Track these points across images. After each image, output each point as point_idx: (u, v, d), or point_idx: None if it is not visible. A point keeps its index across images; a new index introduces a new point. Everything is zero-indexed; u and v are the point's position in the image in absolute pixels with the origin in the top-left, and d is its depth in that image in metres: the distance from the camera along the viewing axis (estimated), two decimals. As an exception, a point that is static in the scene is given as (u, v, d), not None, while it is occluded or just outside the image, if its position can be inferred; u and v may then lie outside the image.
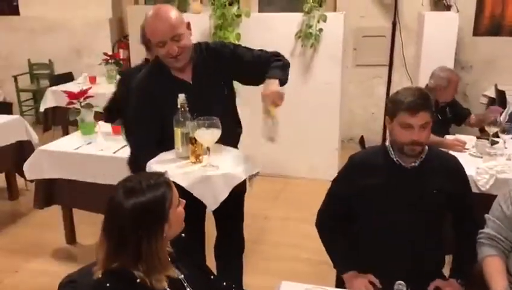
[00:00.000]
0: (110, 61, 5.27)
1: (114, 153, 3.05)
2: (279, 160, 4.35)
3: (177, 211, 1.39)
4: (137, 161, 2.14)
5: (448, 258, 2.05)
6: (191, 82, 2.08)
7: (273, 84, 1.95)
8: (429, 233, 1.92)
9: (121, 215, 1.29)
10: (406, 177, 1.90)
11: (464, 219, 1.98)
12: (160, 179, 1.37)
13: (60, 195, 3.18)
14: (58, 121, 4.94)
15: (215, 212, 2.10)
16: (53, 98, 4.88)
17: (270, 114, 1.92)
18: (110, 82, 5.08)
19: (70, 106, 3.37)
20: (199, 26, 4.33)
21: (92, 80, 5.11)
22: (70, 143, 3.22)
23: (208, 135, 1.86)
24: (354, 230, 2.00)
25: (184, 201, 1.45)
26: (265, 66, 2.05)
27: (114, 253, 1.31)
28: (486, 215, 1.94)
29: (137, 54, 5.62)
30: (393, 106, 1.84)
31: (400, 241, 1.89)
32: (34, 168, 3.14)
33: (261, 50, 2.15)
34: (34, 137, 3.93)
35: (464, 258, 1.96)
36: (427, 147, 1.91)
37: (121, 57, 5.58)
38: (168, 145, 2.01)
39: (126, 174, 2.83)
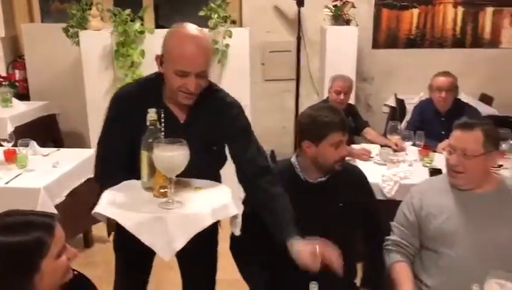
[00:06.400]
0: (3, 83, 4.88)
1: (6, 183, 2.78)
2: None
3: (58, 261, 1.18)
4: (97, 176, 1.87)
5: (359, 267, 2.07)
6: (182, 122, 1.79)
7: None
8: (340, 246, 1.91)
9: None
10: (313, 193, 1.90)
11: (371, 227, 2.01)
12: (40, 219, 1.17)
13: None
14: None
15: (180, 261, 1.88)
16: None
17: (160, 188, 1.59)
18: (4, 105, 4.68)
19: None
20: (100, 43, 4.15)
21: (-17, 103, 4.68)
22: (-46, 174, 2.89)
23: (169, 162, 1.50)
24: (266, 249, 1.95)
25: (75, 251, 1.25)
26: (252, 173, 1.77)
27: None
28: (391, 222, 1.99)
29: (35, 75, 5.30)
30: (323, 128, 1.83)
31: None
32: None
33: (259, 149, 1.87)
34: None
35: (372, 266, 1.98)
36: None
37: (17, 78, 5.21)
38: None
39: (18, 207, 2.68)
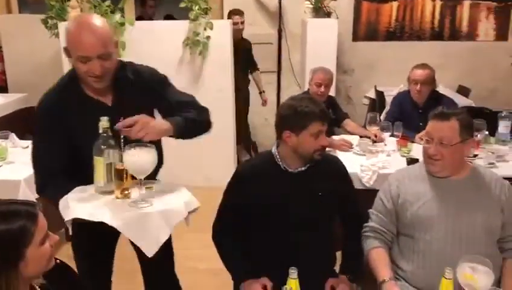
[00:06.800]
0: (-19, 75, 4.82)
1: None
2: (174, 169, 4.23)
3: (42, 248, 1.20)
4: (44, 194, 1.83)
5: (339, 255, 2.11)
6: (110, 105, 1.83)
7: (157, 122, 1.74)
8: (319, 234, 1.96)
9: None
10: (292, 182, 1.93)
11: (349, 216, 2.06)
12: (23, 208, 1.18)
13: None
14: None
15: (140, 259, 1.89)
16: None
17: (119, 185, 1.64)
18: (-19, 98, 4.64)
19: None
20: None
21: (-40, 96, 4.61)
22: None
23: (140, 164, 1.59)
24: (248, 238, 1.99)
25: (56, 237, 1.26)
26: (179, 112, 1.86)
27: None
28: (369, 210, 2.04)
29: (13, 66, 5.22)
30: (303, 118, 1.86)
31: (291, 244, 1.91)
32: None
33: (186, 95, 1.99)
34: None
35: (351, 253, 2.03)
36: None
37: (-5, 71, 5.15)
38: (82, 178, 1.72)
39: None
